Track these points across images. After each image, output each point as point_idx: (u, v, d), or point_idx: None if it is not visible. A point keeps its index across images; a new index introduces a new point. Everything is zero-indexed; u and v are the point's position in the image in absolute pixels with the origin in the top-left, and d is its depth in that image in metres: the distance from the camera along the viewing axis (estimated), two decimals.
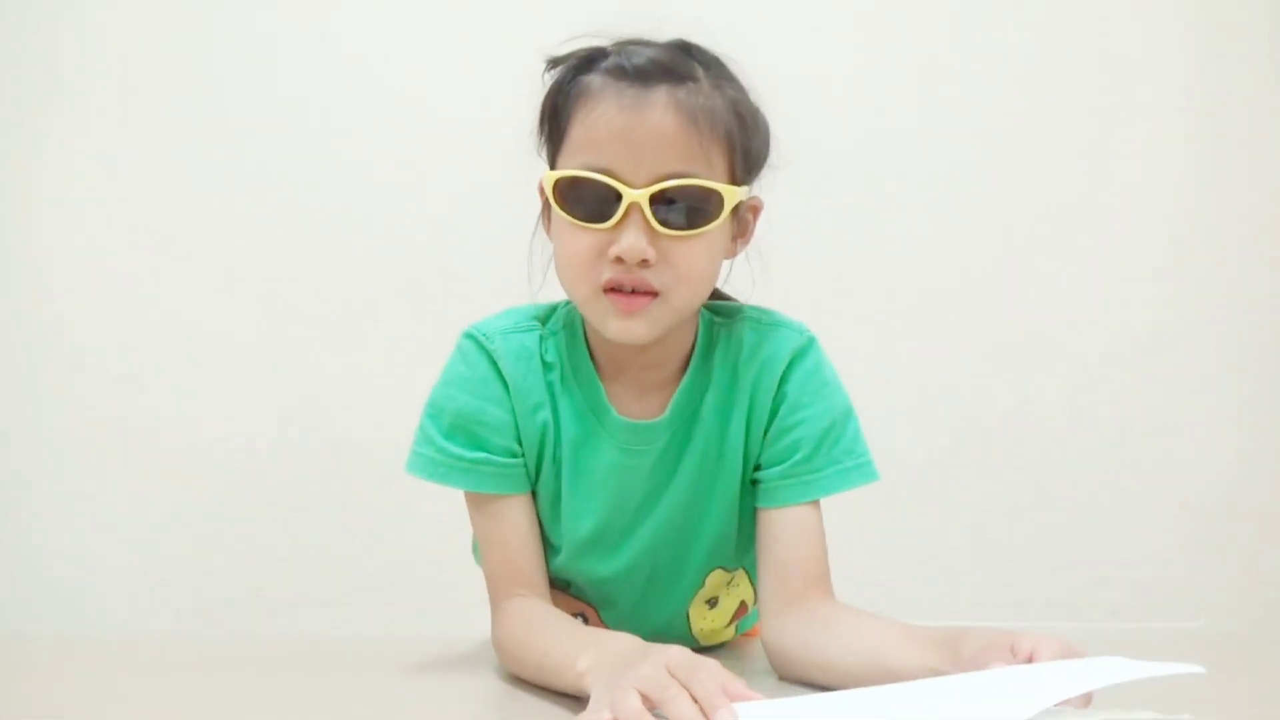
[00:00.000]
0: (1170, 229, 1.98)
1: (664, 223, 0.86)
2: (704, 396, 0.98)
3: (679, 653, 0.69)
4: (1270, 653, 1.16)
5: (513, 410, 0.95)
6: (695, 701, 0.64)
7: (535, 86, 0.93)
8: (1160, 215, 1.98)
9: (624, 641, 0.79)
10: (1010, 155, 1.96)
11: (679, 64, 0.88)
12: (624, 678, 0.67)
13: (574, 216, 0.88)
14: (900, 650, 0.81)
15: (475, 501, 0.97)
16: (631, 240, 0.86)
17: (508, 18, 1.91)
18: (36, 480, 1.91)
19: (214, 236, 1.92)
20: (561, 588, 1.03)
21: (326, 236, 1.92)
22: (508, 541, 0.95)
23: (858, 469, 0.96)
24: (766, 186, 0.98)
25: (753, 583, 1.04)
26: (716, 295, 1.03)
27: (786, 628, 0.91)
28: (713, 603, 1.06)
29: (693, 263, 0.89)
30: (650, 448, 0.97)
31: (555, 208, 0.89)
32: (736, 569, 1.05)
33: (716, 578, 1.04)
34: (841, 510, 0.99)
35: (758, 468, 0.98)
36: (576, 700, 0.79)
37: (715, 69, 0.91)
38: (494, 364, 0.96)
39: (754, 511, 0.98)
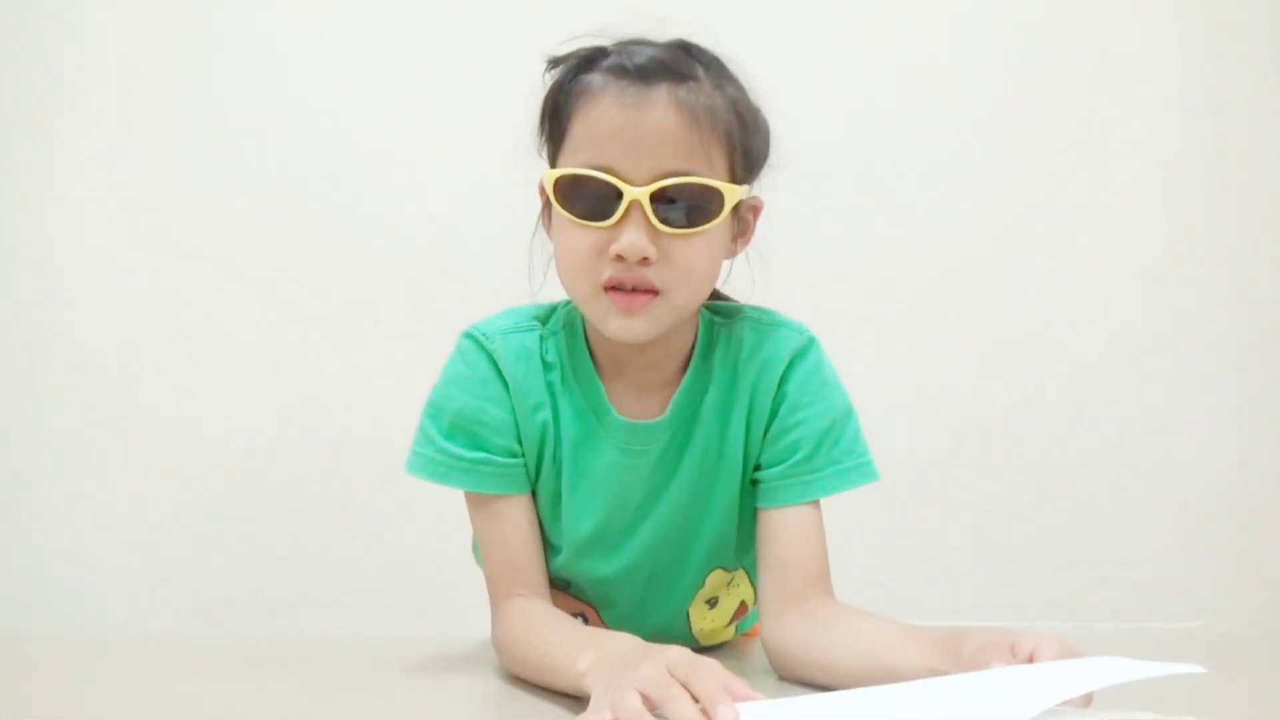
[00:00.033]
0: (1170, 229, 1.98)
1: (665, 221, 0.86)
2: (704, 396, 0.98)
3: (679, 653, 0.69)
4: (1270, 653, 1.16)
5: (513, 410, 0.95)
6: (696, 701, 0.64)
7: (535, 86, 0.93)
8: (1160, 215, 1.98)
9: (624, 641, 0.79)
10: (1010, 155, 1.96)
11: (680, 63, 0.88)
12: (624, 678, 0.67)
13: (574, 214, 0.88)
14: (900, 650, 0.81)
15: (475, 501, 0.97)
16: (632, 238, 0.86)
17: (508, 18, 1.91)
18: (36, 480, 1.91)
19: (214, 236, 1.92)
20: (561, 588, 1.03)
21: (326, 236, 1.92)
22: (508, 541, 0.95)
23: (858, 469, 0.96)
24: (766, 186, 0.98)
25: (753, 583, 1.04)
26: (716, 296, 1.03)
27: (786, 628, 0.91)
28: (713, 603, 1.06)
29: (693, 261, 0.89)
30: (650, 448, 0.97)
31: (556, 206, 0.89)
32: (736, 569, 1.05)
33: (716, 578, 1.04)
34: (841, 510, 0.99)
35: (758, 468, 0.98)
36: (576, 700, 0.79)
37: (715, 68, 0.91)
38: (494, 364, 0.96)
39: (754, 511, 0.98)
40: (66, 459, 1.91)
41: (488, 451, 0.95)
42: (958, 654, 0.76)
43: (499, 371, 0.96)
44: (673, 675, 0.66)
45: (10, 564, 1.88)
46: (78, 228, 1.93)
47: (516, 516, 0.96)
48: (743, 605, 1.09)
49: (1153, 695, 0.68)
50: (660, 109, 0.86)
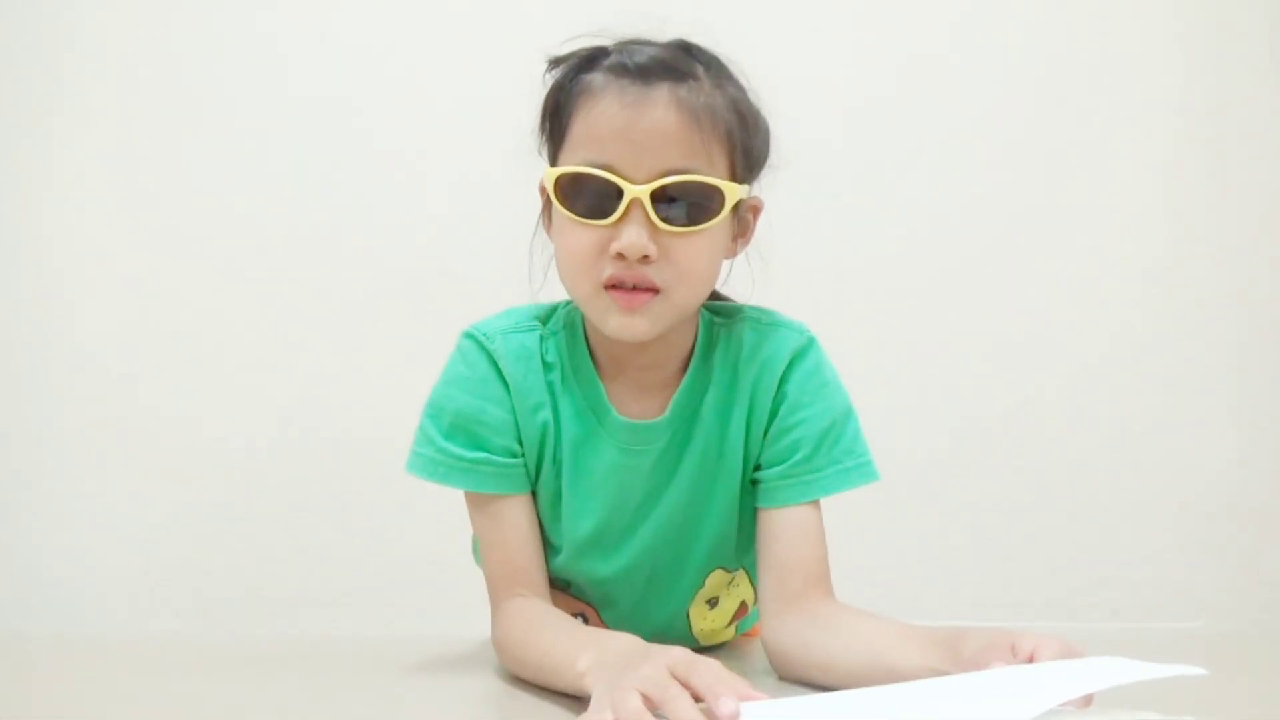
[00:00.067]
0: (1170, 229, 1.98)
1: (665, 219, 0.86)
2: (704, 396, 0.98)
3: (680, 653, 0.69)
4: (1270, 653, 1.16)
5: (513, 410, 0.95)
6: (697, 701, 0.64)
7: (535, 86, 0.93)
8: (1160, 215, 1.98)
9: (624, 641, 0.79)
10: (1010, 155, 1.96)
11: (680, 62, 0.88)
12: (625, 678, 0.67)
13: (575, 213, 0.88)
14: (900, 650, 0.81)
15: (475, 501, 0.97)
16: (633, 236, 0.86)
17: (508, 18, 1.91)
18: (36, 480, 1.91)
19: (214, 236, 1.92)
20: (562, 588, 1.03)
21: (327, 236, 1.92)
22: (508, 541, 0.95)
23: (858, 469, 0.96)
24: (766, 187, 0.98)
25: (753, 583, 1.04)
26: (716, 296, 1.03)
27: (786, 628, 0.91)
28: (713, 603, 1.06)
29: (694, 259, 0.89)
30: (650, 448, 0.97)
31: (556, 204, 0.89)
32: (737, 569, 1.05)
33: (717, 578, 1.04)
34: (841, 510, 0.99)
35: (758, 468, 0.98)
36: (576, 700, 0.79)
37: (716, 68, 0.91)
38: (494, 364, 0.96)
39: (754, 511, 0.98)
40: (66, 459, 1.91)
41: (488, 451, 0.95)
42: (958, 654, 0.76)
43: (499, 371, 0.96)
44: (673, 675, 0.66)
45: (10, 564, 1.89)
46: (78, 228, 1.93)
47: (516, 516, 0.96)
48: (743, 605, 1.09)
49: (1153, 695, 0.68)
50: (661, 108, 0.86)
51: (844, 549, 0.99)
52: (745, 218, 0.96)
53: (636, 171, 0.86)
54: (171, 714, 0.82)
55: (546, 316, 0.99)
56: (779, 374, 0.97)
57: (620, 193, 0.86)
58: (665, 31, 0.91)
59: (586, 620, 1.03)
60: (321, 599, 1.86)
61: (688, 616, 1.05)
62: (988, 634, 0.76)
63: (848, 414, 0.98)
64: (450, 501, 1.01)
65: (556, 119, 0.91)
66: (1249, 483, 1.95)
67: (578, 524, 0.98)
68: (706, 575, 1.03)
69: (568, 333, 0.98)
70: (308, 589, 1.86)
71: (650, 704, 0.64)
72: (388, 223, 1.92)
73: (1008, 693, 0.65)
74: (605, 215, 0.87)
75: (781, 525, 0.94)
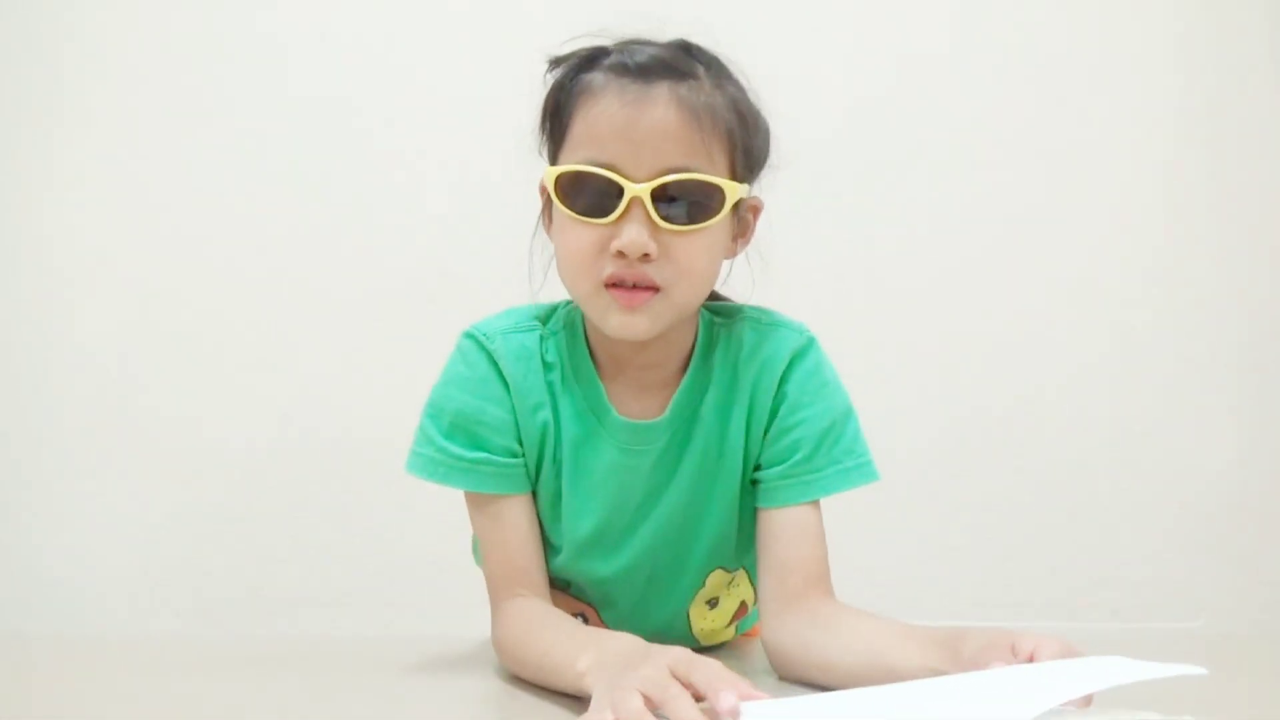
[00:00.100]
0: (1170, 228, 1.98)
1: (666, 217, 0.86)
2: (704, 396, 0.98)
3: (680, 653, 0.69)
4: (1270, 653, 1.16)
5: (513, 410, 0.95)
6: (697, 701, 0.64)
7: (535, 86, 0.93)
8: (1160, 215, 1.98)
9: (625, 641, 0.79)
10: (1010, 155, 1.96)
11: (680, 62, 0.88)
12: (625, 678, 0.67)
13: (575, 211, 0.88)
14: (900, 650, 0.81)
15: (475, 501, 0.97)
16: (633, 235, 0.86)
17: (508, 18, 1.91)
18: (36, 480, 1.91)
19: (214, 236, 1.92)
20: (562, 588, 1.03)
21: (327, 236, 1.92)
22: (508, 541, 0.95)
23: (858, 469, 0.96)
24: (766, 187, 0.98)
25: (753, 583, 1.04)
26: (715, 296, 1.03)
27: (786, 628, 0.91)
28: (713, 603, 1.06)
29: (694, 258, 0.89)
30: (650, 448, 0.97)
31: (557, 203, 0.89)
32: (737, 569, 1.05)
33: (717, 578, 1.04)
34: (841, 510, 0.99)
35: (758, 468, 0.98)
36: (576, 700, 0.79)
37: (716, 68, 0.91)
38: (494, 364, 0.96)
39: (754, 511, 0.98)
40: (66, 459, 1.91)
41: (488, 451, 0.95)
42: (958, 654, 0.76)
43: (499, 371, 0.96)
44: (674, 675, 0.66)
45: (10, 564, 1.89)
46: (78, 228, 1.93)
47: (516, 516, 0.96)
48: (743, 605, 1.09)
49: (1154, 696, 0.68)
50: (661, 106, 0.86)
51: (844, 549, 0.99)
52: (745, 218, 0.97)
53: (637, 170, 0.86)
54: (171, 714, 0.82)
55: (546, 316, 0.99)
56: (779, 374, 0.97)
57: (621, 191, 0.86)
58: (665, 31, 0.91)
59: (586, 620, 1.03)
60: (321, 599, 1.86)
61: (688, 616, 1.05)
62: (988, 634, 0.76)
63: (848, 414, 0.98)
64: (450, 501, 1.01)
65: (557, 118, 0.91)
66: (1249, 483, 1.95)
67: (578, 524, 0.98)
68: (706, 575, 1.03)
69: (568, 333, 0.98)
70: (308, 589, 1.86)
71: (651, 704, 0.64)
72: (388, 223, 1.92)
73: (1008, 693, 0.65)
74: (606, 214, 0.87)
75: (781, 525, 0.94)
